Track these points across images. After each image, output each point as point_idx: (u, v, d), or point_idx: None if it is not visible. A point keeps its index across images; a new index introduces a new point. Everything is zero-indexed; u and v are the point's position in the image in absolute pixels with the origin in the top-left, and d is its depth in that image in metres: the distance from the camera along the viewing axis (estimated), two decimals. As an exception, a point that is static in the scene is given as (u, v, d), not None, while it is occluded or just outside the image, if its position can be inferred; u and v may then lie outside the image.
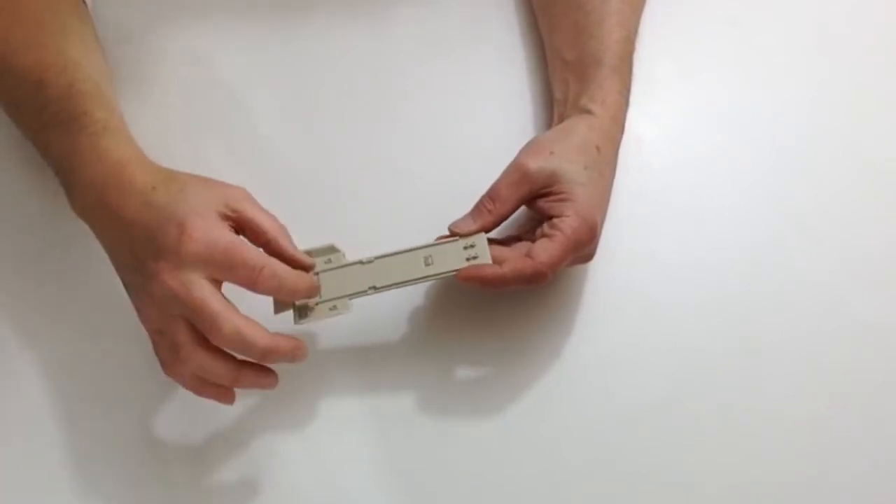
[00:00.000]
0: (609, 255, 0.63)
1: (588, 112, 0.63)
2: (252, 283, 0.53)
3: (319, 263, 0.59)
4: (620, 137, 0.64)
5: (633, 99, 0.65)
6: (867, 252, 0.66)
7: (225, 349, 0.53)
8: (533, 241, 0.58)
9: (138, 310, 0.55)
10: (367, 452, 0.60)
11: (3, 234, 0.67)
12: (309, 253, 0.59)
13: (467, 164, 0.66)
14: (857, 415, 0.60)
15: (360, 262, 0.59)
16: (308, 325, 0.58)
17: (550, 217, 0.58)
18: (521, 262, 0.57)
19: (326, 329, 0.62)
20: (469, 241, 0.59)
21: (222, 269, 0.53)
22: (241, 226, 0.55)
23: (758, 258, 0.65)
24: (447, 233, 0.60)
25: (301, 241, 0.60)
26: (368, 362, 0.62)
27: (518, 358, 0.62)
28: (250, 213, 0.55)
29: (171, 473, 0.60)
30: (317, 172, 0.69)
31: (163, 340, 0.54)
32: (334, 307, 0.58)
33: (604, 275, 0.64)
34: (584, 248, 0.58)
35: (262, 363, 0.54)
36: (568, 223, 0.57)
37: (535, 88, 0.72)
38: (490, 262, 0.58)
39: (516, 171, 0.59)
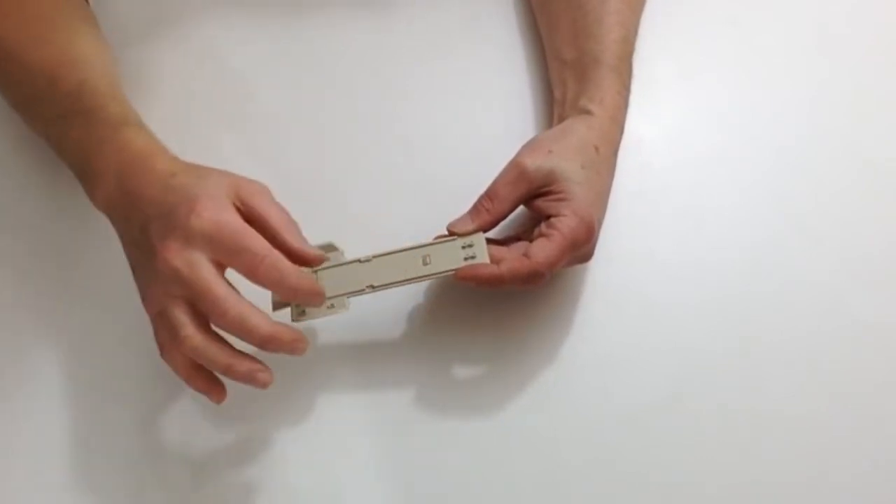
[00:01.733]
0: (608, 254, 0.63)
1: (587, 112, 0.63)
2: (253, 271, 0.52)
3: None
4: (620, 137, 0.64)
5: (633, 99, 0.65)
6: (867, 252, 0.65)
7: (225, 334, 0.53)
8: (531, 240, 0.58)
9: (142, 291, 0.55)
10: (366, 451, 0.60)
11: (2, 233, 0.68)
12: None
13: (467, 164, 0.66)
14: (857, 415, 0.60)
15: (359, 261, 0.59)
16: (306, 323, 0.58)
17: (548, 217, 0.58)
18: (518, 262, 0.57)
19: (325, 326, 0.62)
20: (467, 240, 0.59)
21: (227, 253, 0.52)
22: (250, 218, 0.54)
23: (758, 258, 0.65)
24: (446, 232, 0.60)
25: (299, 239, 0.61)
26: (367, 361, 0.62)
27: (517, 357, 0.62)
28: (260, 207, 0.54)
29: (170, 473, 0.60)
30: (316, 171, 0.69)
31: (163, 323, 0.54)
32: (332, 306, 0.58)
33: (603, 274, 0.64)
34: (581, 247, 0.58)
35: (262, 349, 0.53)
36: (565, 223, 0.57)
37: (535, 88, 0.72)
38: (488, 261, 0.58)
39: (514, 169, 0.59)
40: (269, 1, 0.75)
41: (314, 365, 0.62)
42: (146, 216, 0.54)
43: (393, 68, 0.73)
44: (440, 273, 0.58)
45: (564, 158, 0.59)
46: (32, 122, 0.64)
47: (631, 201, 0.66)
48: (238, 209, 0.54)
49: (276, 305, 0.59)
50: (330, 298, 0.58)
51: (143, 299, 0.55)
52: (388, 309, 0.63)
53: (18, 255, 0.67)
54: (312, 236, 0.59)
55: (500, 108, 0.71)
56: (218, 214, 0.52)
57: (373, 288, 0.58)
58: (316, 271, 0.59)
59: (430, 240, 0.59)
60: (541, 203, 0.59)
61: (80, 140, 0.58)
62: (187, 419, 0.61)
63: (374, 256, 0.59)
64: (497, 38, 0.74)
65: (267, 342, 0.53)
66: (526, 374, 0.62)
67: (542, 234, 0.58)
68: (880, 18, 0.74)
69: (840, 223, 0.66)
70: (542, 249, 0.57)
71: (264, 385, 0.54)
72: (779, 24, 0.75)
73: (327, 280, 0.58)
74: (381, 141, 0.70)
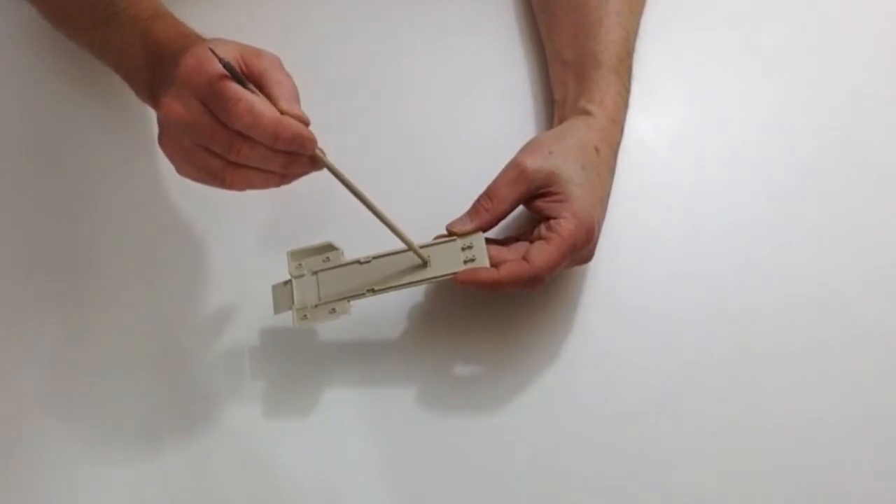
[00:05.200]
0: (609, 255, 0.63)
1: (587, 113, 0.63)
2: (227, 114, 0.51)
3: (318, 262, 0.59)
4: (620, 138, 0.64)
5: (633, 99, 0.66)
6: (868, 253, 0.65)
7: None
8: (531, 241, 0.58)
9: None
10: (367, 450, 0.60)
11: (2, 233, 0.68)
12: (308, 251, 0.59)
13: (466, 164, 0.66)
14: (858, 416, 0.60)
15: (358, 262, 0.59)
16: (309, 326, 0.58)
17: (547, 218, 0.58)
18: (517, 266, 0.57)
19: (325, 325, 0.62)
20: (466, 241, 0.59)
21: (205, 97, 0.51)
22: (249, 76, 0.53)
23: (758, 258, 0.65)
24: (445, 231, 0.60)
25: (299, 238, 0.61)
26: (368, 360, 0.62)
27: (518, 357, 0.62)
28: (259, 66, 0.53)
29: (169, 472, 0.60)
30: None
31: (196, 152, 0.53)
32: (333, 310, 0.58)
33: (604, 275, 0.64)
34: (581, 249, 0.58)
35: (272, 143, 0.52)
36: (564, 225, 0.57)
37: (535, 88, 0.72)
38: (487, 263, 0.58)
39: (514, 169, 0.59)
40: (267, 5, 0.75)
41: (315, 364, 0.62)
42: (161, 75, 0.54)
43: (392, 68, 0.73)
44: (440, 277, 0.58)
45: (564, 159, 0.59)
46: (76, 36, 0.66)
47: (631, 202, 0.66)
48: (238, 64, 0.53)
49: (278, 308, 0.60)
50: (331, 302, 0.58)
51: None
52: (388, 308, 0.63)
53: (18, 254, 0.67)
54: (312, 236, 0.60)
55: (500, 108, 0.71)
56: (199, 63, 0.52)
57: (373, 291, 0.58)
58: (316, 273, 0.59)
59: (429, 240, 0.60)
60: (540, 204, 0.59)
61: (117, 43, 0.60)
62: (187, 418, 0.61)
63: (374, 257, 0.59)
64: (497, 38, 0.74)
65: (274, 128, 0.51)
66: (526, 374, 0.62)
67: (541, 237, 0.58)
68: (880, 18, 0.74)
69: (840, 223, 0.66)
70: (541, 253, 0.57)
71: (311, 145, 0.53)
72: (779, 24, 0.75)
73: (327, 281, 0.58)
74: (381, 140, 0.70)
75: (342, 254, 0.60)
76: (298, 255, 0.60)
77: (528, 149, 0.61)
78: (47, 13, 0.68)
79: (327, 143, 0.70)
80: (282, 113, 0.51)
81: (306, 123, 0.52)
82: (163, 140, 0.54)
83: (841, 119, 0.70)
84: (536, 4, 0.73)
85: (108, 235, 0.67)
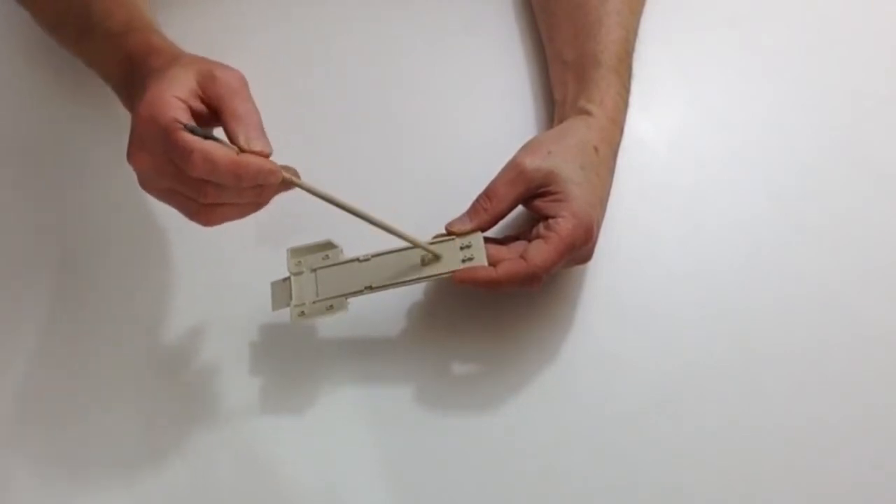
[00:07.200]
0: (609, 255, 0.63)
1: (586, 113, 0.63)
2: (184, 166, 0.50)
3: (317, 259, 0.59)
4: (620, 138, 0.64)
5: (633, 99, 0.65)
6: (868, 253, 0.65)
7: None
8: (530, 240, 0.58)
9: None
10: (366, 449, 0.60)
11: (2, 232, 0.68)
12: (307, 248, 0.59)
13: (466, 164, 0.66)
14: (858, 416, 0.60)
15: (357, 260, 0.59)
16: (306, 322, 0.58)
17: (546, 217, 0.58)
18: (515, 264, 0.57)
19: (324, 323, 0.63)
20: (465, 240, 0.59)
21: (163, 151, 0.51)
22: (209, 105, 0.53)
23: (758, 258, 0.65)
24: (444, 231, 0.60)
25: (299, 237, 0.61)
26: (367, 359, 0.62)
27: (517, 356, 0.62)
28: (216, 94, 0.52)
29: (169, 471, 0.60)
30: (314, 170, 0.68)
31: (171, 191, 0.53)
32: (331, 307, 0.58)
33: (603, 274, 0.64)
34: (579, 249, 0.58)
35: (234, 184, 0.51)
36: (563, 224, 0.57)
37: (535, 88, 0.72)
38: (486, 262, 0.58)
39: (513, 169, 0.59)
40: (266, 4, 0.75)
41: (313, 362, 0.62)
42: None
43: (392, 68, 0.73)
44: (438, 275, 0.58)
45: (563, 159, 0.59)
46: (64, 46, 0.66)
47: (631, 202, 0.66)
48: (199, 95, 0.53)
49: (276, 305, 0.60)
50: (329, 299, 0.58)
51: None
52: (387, 307, 0.63)
53: (18, 254, 0.67)
54: (312, 234, 0.60)
55: (500, 108, 0.71)
56: (151, 114, 0.51)
57: (371, 289, 0.58)
58: (315, 270, 0.59)
59: (428, 239, 0.59)
60: (539, 203, 0.59)
61: (96, 57, 0.60)
62: (184, 416, 0.61)
63: (373, 255, 0.59)
64: (497, 38, 0.74)
65: (234, 170, 0.50)
66: (526, 373, 0.62)
67: (539, 236, 0.58)
68: (880, 18, 0.74)
69: (841, 223, 0.66)
70: (538, 252, 0.57)
71: (275, 177, 0.52)
72: (779, 24, 0.75)
73: (326, 279, 0.59)
74: (381, 140, 0.70)
75: (341, 252, 0.60)
76: (298, 253, 0.60)
77: (527, 148, 0.61)
78: (38, 21, 0.68)
79: (326, 142, 0.70)
80: (241, 150, 0.51)
81: (267, 155, 0.52)
82: (142, 184, 0.54)
83: (841, 119, 0.70)
84: (536, 4, 0.73)
85: (107, 234, 0.67)
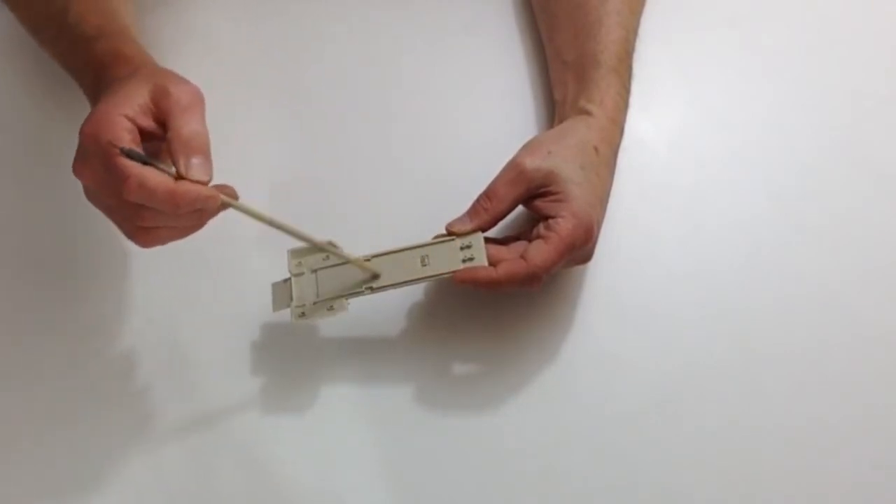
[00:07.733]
0: (609, 255, 0.63)
1: (586, 113, 0.63)
2: (121, 191, 0.49)
3: (317, 260, 0.59)
4: (620, 138, 0.64)
5: (633, 99, 0.65)
6: (869, 253, 0.65)
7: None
8: (530, 241, 0.58)
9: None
10: (366, 449, 0.60)
11: (2, 232, 0.68)
12: (308, 250, 0.59)
13: (466, 164, 0.66)
14: (858, 416, 0.60)
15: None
16: (306, 322, 0.58)
17: (546, 217, 0.58)
18: (514, 264, 0.57)
19: (325, 323, 0.63)
20: (466, 240, 0.59)
21: (104, 172, 0.50)
22: (157, 120, 0.52)
23: (758, 258, 0.65)
24: (444, 231, 0.60)
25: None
26: (367, 359, 0.62)
27: (517, 356, 0.62)
28: (166, 108, 0.51)
29: (169, 471, 0.60)
30: (315, 170, 0.69)
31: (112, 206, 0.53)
32: (331, 307, 0.58)
33: (603, 275, 0.64)
34: (579, 249, 0.58)
35: (172, 212, 0.50)
36: (563, 224, 0.57)
37: (535, 88, 0.72)
38: (486, 262, 0.58)
39: (513, 169, 0.59)
40: (265, 4, 0.75)
41: (313, 362, 0.62)
42: None
43: (392, 68, 0.73)
44: (438, 275, 0.58)
45: (564, 159, 0.59)
46: (44, 48, 0.65)
47: (631, 202, 0.66)
48: (150, 111, 0.52)
49: (276, 306, 0.60)
50: (329, 300, 0.58)
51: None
52: (387, 307, 0.63)
53: (18, 253, 0.67)
54: (312, 234, 0.60)
55: (500, 108, 0.71)
56: (94, 133, 0.50)
57: (371, 289, 0.58)
58: (315, 271, 0.59)
59: (428, 239, 0.60)
60: (539, 203, 0.59)
61: (70, 61, 0.60)
62: (185, 416, 0.61)
63: (373, 256, 0.59)
64: (497, 38, 0.74)
65: (169, 199, 0.49)
66: (526, 373, 0.62)
67: (539, 236, 0.58)
68: (880, 18, 0.74)
69: (841, 223, 0.66)
70: (538, 252, 0.57)
71: (214, 203, 0.51)
72: (779, 24, 0.75)
73: (327, 280, 0.59)
74: (381, 140, 0.70)
75: (342, 252, 0.60)
76: (299, 254, 0.60)
77: (527, 148, 0.61)
78: (22, 23, 0.67)
79: (326, 142, 0.70)
80: (179, 177, 0.49)
81: (206, 182, 0.50)
82: (86, 196, 0.54)
83: (841, 119, 0.70)
84: (536, 4, 0.73)
85: (107, 234, 0.67)
